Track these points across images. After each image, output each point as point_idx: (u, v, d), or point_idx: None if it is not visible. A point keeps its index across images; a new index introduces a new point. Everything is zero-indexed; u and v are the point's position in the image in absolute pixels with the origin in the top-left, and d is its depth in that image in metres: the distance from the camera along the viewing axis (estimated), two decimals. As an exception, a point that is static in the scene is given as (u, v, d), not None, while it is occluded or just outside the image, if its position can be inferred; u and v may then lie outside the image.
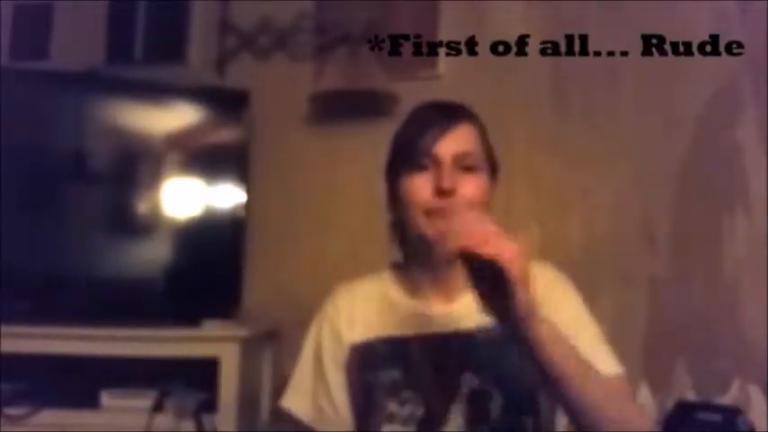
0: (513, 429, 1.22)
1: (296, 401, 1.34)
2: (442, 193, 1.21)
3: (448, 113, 1.27)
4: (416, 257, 1.30)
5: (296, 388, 1.35)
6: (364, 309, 1.33)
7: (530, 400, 1.24)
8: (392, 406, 1.24)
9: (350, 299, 1.35)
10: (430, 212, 1.22)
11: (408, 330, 1.28)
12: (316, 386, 1.32)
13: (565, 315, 1.24)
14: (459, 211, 1.19)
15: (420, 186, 1.23)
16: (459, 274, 1.26)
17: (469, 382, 1.23)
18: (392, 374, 1.25)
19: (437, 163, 1.23)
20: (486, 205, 1.26)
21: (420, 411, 1.23)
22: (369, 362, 1.28)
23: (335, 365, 1.31)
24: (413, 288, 1.31)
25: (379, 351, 1.28)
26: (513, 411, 1.23)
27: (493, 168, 1.31)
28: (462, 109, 1.30)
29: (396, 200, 1.29)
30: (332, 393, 1.30)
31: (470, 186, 1.23)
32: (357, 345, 1.30)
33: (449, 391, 1.23)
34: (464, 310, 1.27)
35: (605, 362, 1.23)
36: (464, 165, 1.24)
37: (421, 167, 1.24)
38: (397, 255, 1.37)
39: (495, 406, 1.22)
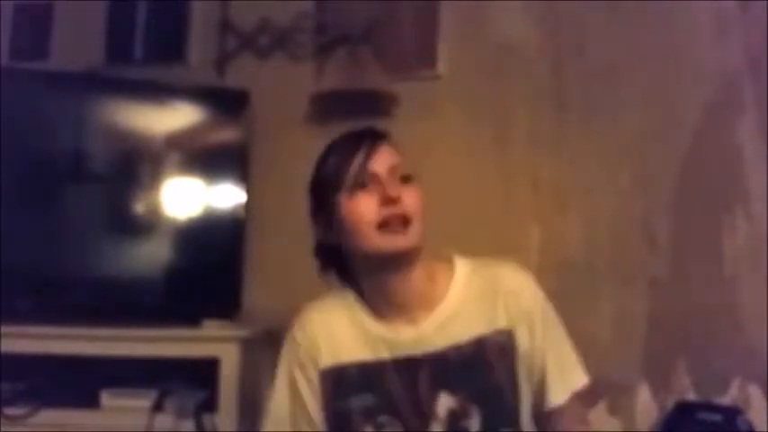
0: None
1: (277, 429, 1.33)
2: (390, 201, 1.23)
3: (368, 135, 1.31)
4: (369, 283, 1.30)
5: (275, 418, 1.33)
6: (333, 333, 1.31)
7: (508, 413, 1.26)
8: (369, 430, 1.25)
9: (317, 323, 1.33)
10: (381, 225, 1.23)
11: (379, 354, 1.28)
12: (294, 412, 1.31)
13: (535, 329, 1.29)
14: (410, 219, 1.23)
15: (366, 202, 1.24)
16: (417, 297, 1.28)
17: (446, 401, 1.24)
18: (366, 399, 1.26)
19: (376, 178, 1.25)
20: (423, 214, 1.27)
21: None
22: (341, 387, 1.28)
23: (312, 391, 1.30)
24: (376, 312, 1.30)
25: (351, 376, 1.28)
26: (491, 426, 1.24)
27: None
28: (376, 130, 1.33)
29: (334, 224, 1.28)
30: (312, 417, 1.30)
31: (411, 196, 1.26)
32: (328, 369, 1.29)
33: (425, 412, 1.24)
34: (430, 331, 1.27)
35: (576, 374, 1.32)
36: (399, 176, 1.26)
37: (361, 185, 1.25)
38: (331, 281, 1.36)
39: (474, 423, 1.24)
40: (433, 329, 1.27)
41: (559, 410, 1.30)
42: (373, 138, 1.30)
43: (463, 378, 1.25)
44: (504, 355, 1.27)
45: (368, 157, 1.26)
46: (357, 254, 1.28)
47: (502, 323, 1.28)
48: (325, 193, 1.29)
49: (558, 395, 1.29)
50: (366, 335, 1.29)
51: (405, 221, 1.24)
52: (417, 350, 1.27)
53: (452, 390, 1.24)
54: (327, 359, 1.29)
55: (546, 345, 1.29)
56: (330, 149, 1.33)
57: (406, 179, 1.27)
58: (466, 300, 1.30)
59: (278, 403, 1.33)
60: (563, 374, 1.30)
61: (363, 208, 1.24)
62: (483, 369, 1.25)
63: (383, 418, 1.25)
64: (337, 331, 1.31)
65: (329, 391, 1.29)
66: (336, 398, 1.28)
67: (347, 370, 1.28)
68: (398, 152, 1.31)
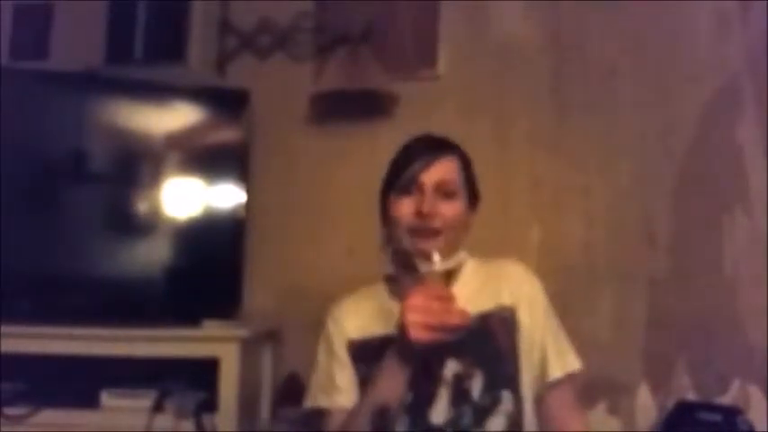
0: (493, 402, 1.40)
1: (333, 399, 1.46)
2: (422, 215, 1.40)
3: (434, 146, 1.48)
4: (405, 268, 1.44)
5: (318, 383, 1.49)
6: (361, 314, 1.50)
7: (508, 377, 1.42)
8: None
9: (349, 305, 1.53)
10: (413, 232, 1.41)
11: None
12: (332, 374, 1.48)
13: (537, 312, 1.47)
14: (440, 231, 1.40)
15: (405, 208, 1.43)
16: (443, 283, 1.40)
17: (452, 366, 1.41)
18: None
19: (421, 189, 1.43)
20: (463, 226, 1.46)
21: (408, 397, 1.37)
22: (363, 356, 1.45)
23: (341, 356, 1.47)
24: (402, 298, 1.39)
25: (373, 346, 1.43)
26: (492, 387, 1.41)
27: (474, 197, 1.51)
28: (447, 143, 1.51)
29: (386, 216, 1.48)
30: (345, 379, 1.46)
31: (449, 209, 1.43)
32: (354, 341, 1.48)
33: (434, 377, 1.40)
34: None
35: (571, 358, 1.48)
36: (444, 191, 1.44)
37: (407, 191, 1.44)
38: (388, 266, 1.50)
39: (477, 385, 1.40)
40: None
41: (557, 391, 1.46)
42: (439, 150, 1.47)
43: (468, 345, 1.37)
44: (506, 326, 1.45)
45: (423, 167, 1.44)
46: (396, 246, 1.46)
47: (506, 301, 1.46)
48: (385, 186, 1.50)
49: (556, 370, 1.45)
50: (391, 316, 1.39)
51: (433, 233, 1.40)
52: None
53: (458, 356, 1.40)
54: (355, 333, 1.48)
55: (546, 328, 1.47)
56: (405, 148, 1.50)
57: (450, 194, 1.44)
58: (473, 285, 1.47)
59: (320, 369, 1.50)
60: (560, 355, 1.47)
61: (403, 211, 1.43)
62: (486, 336, 1.43)
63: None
64: (366, 312, 1.50)
65: (354, 358, 1.46)
66: (359, 367, 1.45)
67: (371, 342, 1.44)
68: (457, 167, 1.47)
